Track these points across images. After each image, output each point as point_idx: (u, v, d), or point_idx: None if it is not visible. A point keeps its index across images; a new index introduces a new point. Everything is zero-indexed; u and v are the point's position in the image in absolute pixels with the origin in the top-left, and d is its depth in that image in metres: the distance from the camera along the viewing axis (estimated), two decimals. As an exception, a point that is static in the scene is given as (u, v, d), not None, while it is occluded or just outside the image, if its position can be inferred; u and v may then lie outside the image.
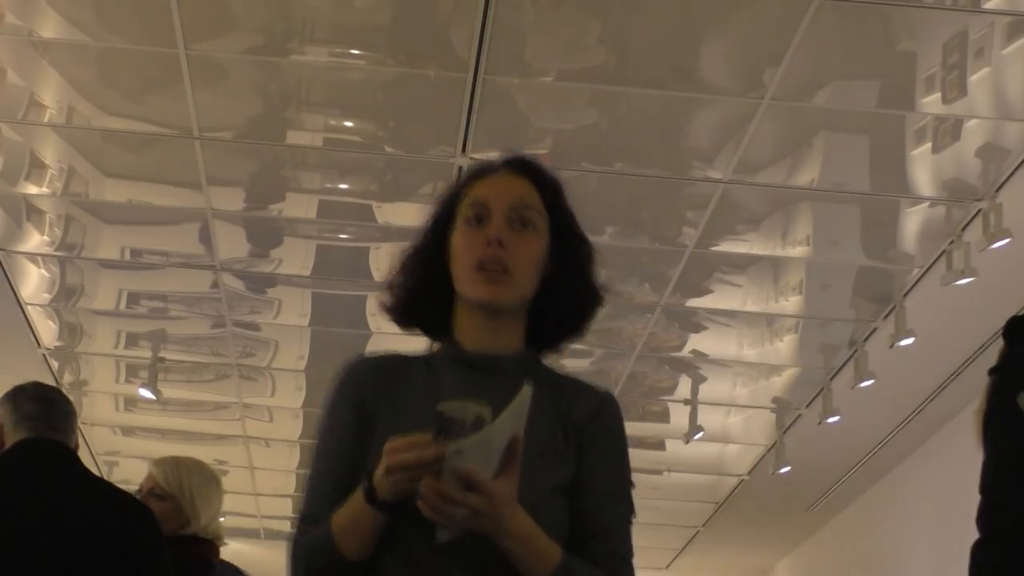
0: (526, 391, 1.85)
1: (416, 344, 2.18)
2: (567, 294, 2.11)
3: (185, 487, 4.03)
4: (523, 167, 2.15)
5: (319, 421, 2.12)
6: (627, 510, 2.08)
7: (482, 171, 2.16)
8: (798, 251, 6.06)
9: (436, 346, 2.15)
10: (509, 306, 2.08)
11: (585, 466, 2.04)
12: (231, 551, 4.24)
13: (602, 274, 2.15)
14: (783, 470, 8.33)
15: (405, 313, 2.15)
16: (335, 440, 2.08)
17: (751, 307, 6.61)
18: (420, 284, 2.12)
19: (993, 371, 2.37)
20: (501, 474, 1.85)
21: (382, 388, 2.08)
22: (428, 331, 2.16)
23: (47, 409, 3.49)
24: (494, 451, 1.84)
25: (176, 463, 4.11)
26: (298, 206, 6.01)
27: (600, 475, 2.05)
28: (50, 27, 4.75)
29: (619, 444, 2.10)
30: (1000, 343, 2.42)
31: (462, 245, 2.08)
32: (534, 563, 1.93)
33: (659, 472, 9.07)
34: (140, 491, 4.06)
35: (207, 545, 4.05)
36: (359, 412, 2.06)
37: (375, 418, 2.04)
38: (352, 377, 2.11)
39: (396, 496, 1.90)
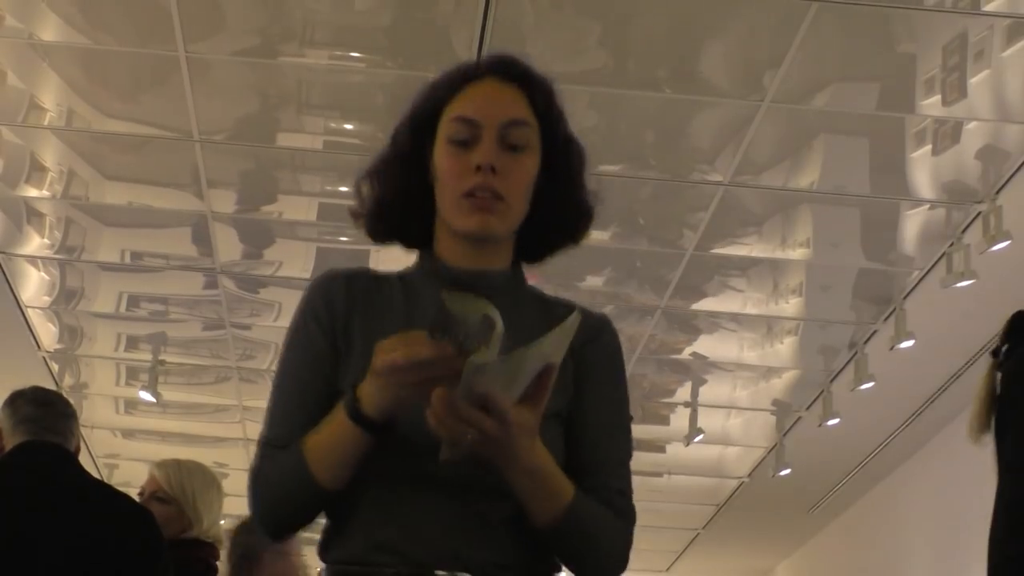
0: (574, 319, 1.66)
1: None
2: (557, 207, 1.92)
3: (187, 490, 4.03)
4: (511, 72, 1.91)
5: (286, 339, 1.91)
6: (627, 443, 1.92)
7: (466, 76, 1.91)
8: (798, 253, 6.06)
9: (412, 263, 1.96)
10: (501, 236, 1.88)
11: (583, 394, 1.87)
12: (231, 553, 4.23)
13: (594, 180, 1.97)
14: (783, 472, 8.33)
15: (379, 224, 1.94)
16: (305, 358, 1.87)
17: (751, 309, 6.61)
18: (396, 195, 1.92)
19: (996, 353, 2.37)
20: (526, 402, 1.65)
21: (356, 304, 1.87)
22: (405, 243, 1.96)
23: (44, 412, 3.50)
24: (523, 375, 1.64)
25: (178, 466, 4.11)
26: (298, 209, 6.01)
27: (599, 404, 1.88)
28: (50, 30, 4.75)
29: (617, 371, 1.93)
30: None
31: (448, 169, 1.86)
32: (544, 501, 1.75)
33: (659, 475, 9.07)
34: (142, 494, 4.06)
35: (208, 548, 4.05)
36: (331, 329, 1.86)
37: (349, 335, 1.85)
38: (323, 292, 1.90)
39: (383, 412, 1.71)
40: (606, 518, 1.82)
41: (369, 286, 1.90)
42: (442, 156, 1.87)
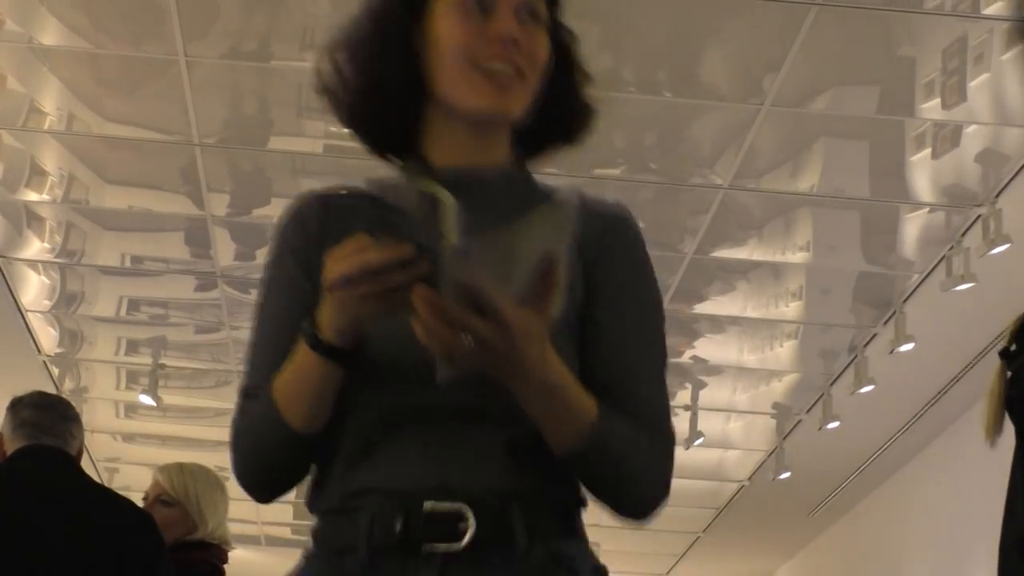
0: (569, 198, 1.42)
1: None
2: (560, 96, 1.67)
3: (191, 493, 4.04)
4: None
5: (262, 277, 1.69)
6: (660, 352, 1.62)
7: None
8: (798, 257, 6.06)
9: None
10: (516, 119, 1.62)
11: (601, 298, 1.59)
12: (231, 557, 4.23)
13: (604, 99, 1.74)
14: (783, 476, 8.33)
15: (352, 115, 1.67)
16: (278, 297, 1.63)
17: (751, 313, 6.62)
18: (376, 79, 1.64)
19: (1004, 354, 2.37)
20: (530, 303, 1.38)
21: (331, 226, 1.59)
22: (383, 145, 1.69)
23: (43, 415, 3.50)
24: (515, 265, 1.36)
25: (181, 469, 4.12)
26: (298, 212, 6.01)
27: (623, 309, 1.60)
28: (50, 34, 4.75)
29: (642, 268, 1.64)
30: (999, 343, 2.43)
31: (458, 39, 1.59)
32: (564, 421, 1.49)
33: (659, 478, 9.06)
34: (146, 498, 4.07)
35: (214, 550, 4.06)
36: (306, 259, 1.60)
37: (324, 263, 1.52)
38: (295, 219, 1.65)
39: (344, 336, 1.49)
40: (639, 438, 1.54)
41: (349, 205, 1.64)
42: (448, 23, 1.60)
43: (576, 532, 1.59)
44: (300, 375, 1.53)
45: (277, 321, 1.62)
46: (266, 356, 1.61)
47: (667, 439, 1.58)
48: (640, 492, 1.57)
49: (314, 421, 1.54)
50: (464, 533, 1.49)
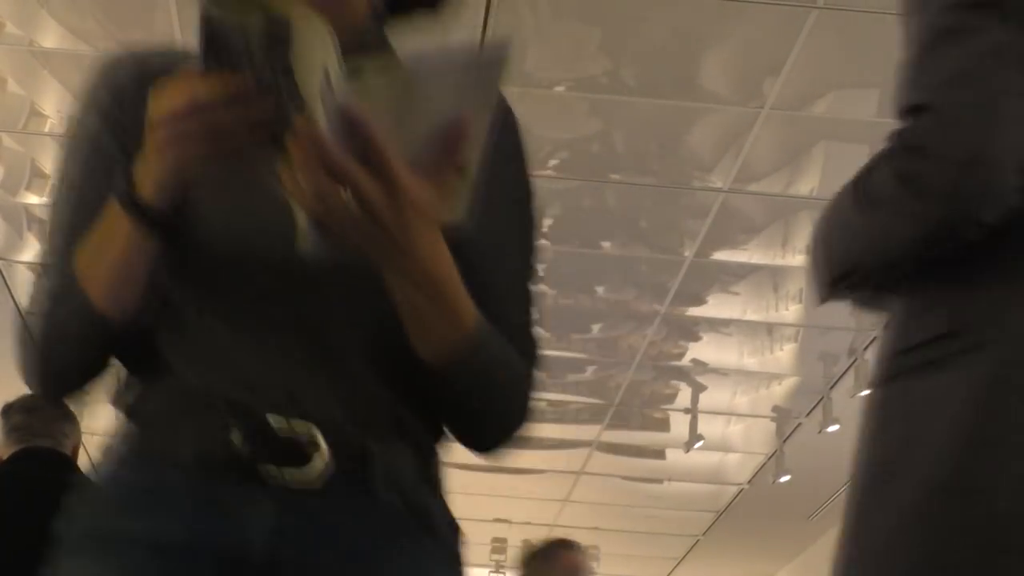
0: (503, 46, 1.12)
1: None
2: None
3: None
4: None
5: (65, 147, 1.41)
6: (531, 265, 1.40)
7: None
8: (798, 260, 6.06)
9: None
10: (353, 10, 1.33)
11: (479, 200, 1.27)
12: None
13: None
14: (783, 479, 8.32)
15: None
16: (84, 166, 1.36)
17: (751, 316, 6.62)
18: None
19: None
20: (428, 172, 1.14)
21: (149, 90, 1.21)
22: None
23: (32, 418, 3.51)
24: (418, 113, 1.08)
25: None
26: (298, 215, 6.01)
27: (496, 216, 1.33)
28: (50, 37, 4.76)
29: (520, 172, 1.40)
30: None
31: None
32: (441, 326, 1.25)
33: (659, 481, 9.07)
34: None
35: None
36: (117, 125, 1.34)
37: (141, 130, 1.22)
38: (108, 80, 1.39)
39: (164, 191, 1.22)
40: (512, 356, 1.34)
41: (170, 66, 1.29)
42: None
43: (437, 482, 1.37)
44: (110, 242, 1.25)
45: (82, 194, 1.34)
46: (69, 235, 1.32)
47: (534, 358, 1.38)
48: (507, 412, 1.36)
49: (123, 301, 1.28)
50: (311, 460, 1.26)
